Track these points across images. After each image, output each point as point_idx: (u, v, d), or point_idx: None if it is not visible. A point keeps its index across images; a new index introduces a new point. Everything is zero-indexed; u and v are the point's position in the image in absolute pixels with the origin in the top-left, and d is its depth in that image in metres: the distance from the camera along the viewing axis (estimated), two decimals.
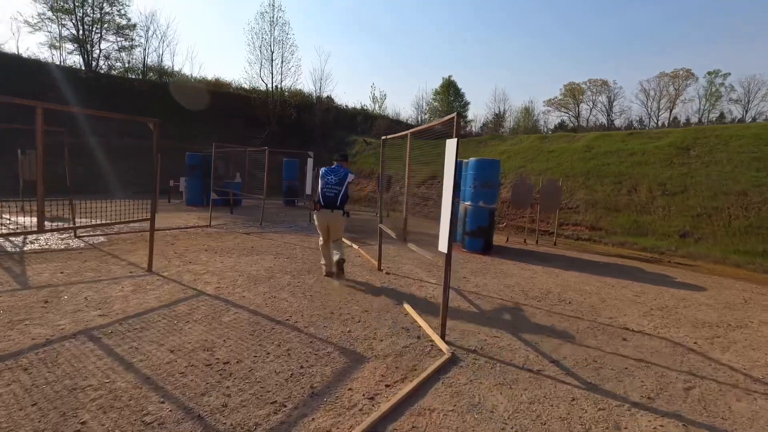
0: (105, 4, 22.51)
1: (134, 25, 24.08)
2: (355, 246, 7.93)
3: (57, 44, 22.11)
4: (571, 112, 44.84)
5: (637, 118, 42.10)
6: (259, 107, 26.21)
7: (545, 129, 40.70)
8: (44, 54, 22.35)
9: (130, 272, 5.24)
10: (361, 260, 6.81)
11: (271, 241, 8.10)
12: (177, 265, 5.70)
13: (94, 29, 22.43)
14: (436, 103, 36.88)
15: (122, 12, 23.32)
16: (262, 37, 28.07)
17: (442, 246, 3.50)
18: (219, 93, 26.25)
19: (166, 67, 26.60)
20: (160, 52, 33.77)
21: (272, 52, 28.12)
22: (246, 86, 28.27)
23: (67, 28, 21.89)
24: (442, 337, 3.53)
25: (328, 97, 32.96)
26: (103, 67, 23.10)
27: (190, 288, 4.71)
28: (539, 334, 3.94)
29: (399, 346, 3.45)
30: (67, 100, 19.67)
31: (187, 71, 29.59)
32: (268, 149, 10.19)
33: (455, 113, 3.37)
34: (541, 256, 8.27)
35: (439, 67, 72.49)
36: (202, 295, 4.48)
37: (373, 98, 36.77)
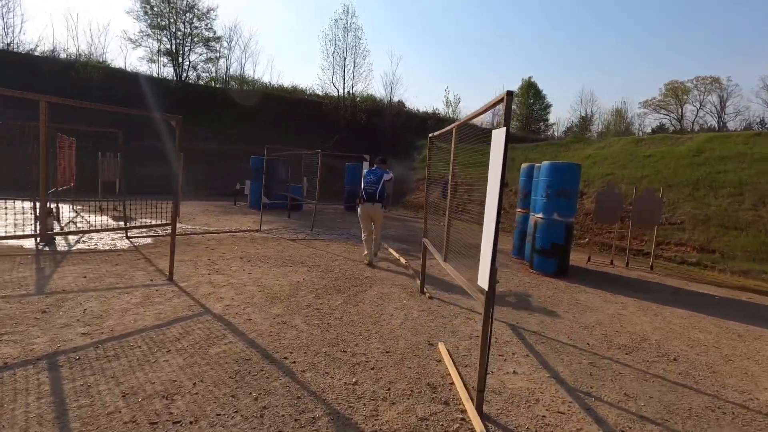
0: (195, 20, 24.26)
1: (219, 38, 25.71)
2: (403, 260, 7.04)
3: (154, 58, 24.26)
4: (672, 114, 39.45)
5: (758, 120, 35.69)
6: (330, 113, 26.49)
7: (640, 132, 36.26)
8: (143, 67, 24.62)
9: (151, 280, 4.88)
10: (403, 279, 5.89)
11: (314, 250, 7.51)
12: (202, 275, 5.27)
13: (184, 43, 24.28)
14: (514, 106, 34.62)
15: (209, 26, 24.99)
16: (335, 44, 28.45)
17: (482, 280, 2.48)
18: (295, 99, 27.03)
19: (247, 76, 28.05)
20: (243, 62, 36.12)
21: (344, 58, 28.37)
22: (319, 92, 28.82)
23: (162, 43, 23.92)
24: (479, 409, 2.50)
25: (399, 101, 32.51)
26: (191, 77, 24.88)
27: (198, 304, 4.18)
28: (629, 414, 2.72)
29: (415, 415, 2.49)
30: (157, 108, 21.35)
31: (266, 80, 30.97)
32: (322, 152, 9.71)
33: (505, 92, 2.35)
34: (632, 283, 6.67)
35: (519, 67, 68.83)
36: (205, 314, 3.90)
37: (446, 102, 35.62)
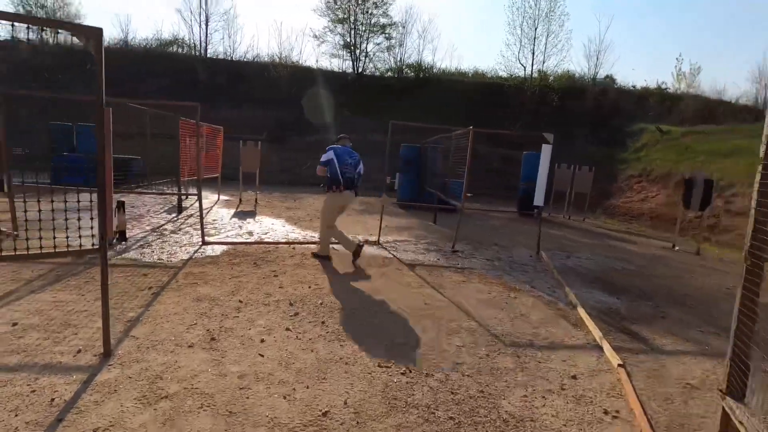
0: (372, 7, 23.56)
1: (395, 23, 24.49)
2: (616, 360, 3.19)
3: (336, 53, 24.68)
4: None
5: None
6: (513, 95, 22.28)
7: None
8: (326, 63, 25.37)
9: (78, 351, 2.63)
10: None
11: (433, 294, 4.30)
12: (178, 346, 2.78)
13: (362, 33, 23.89)
14: None
15: (386, 12, 23.97)
16: (524, 12, 23.82)
17: None
18: (473, 84, 23.85)
19: (425, 63, 26.21)
20: (420, 49, 34.52)
21: (535, 28, 23.50)
22: (503, 73, 24.78)
23: (343, 37, 24.04)
24: None
25: (608, 76, 25.53)
26: (368, 67, 24.42)
27: None
28: None
29: None
30: (333, 102, 21.36)
31: (445, 65, 28.65)
32: (473, 129, 6.33)
33: None
34: None
35: None
36: None
37: (677, 74, 26.18)
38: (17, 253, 2.48)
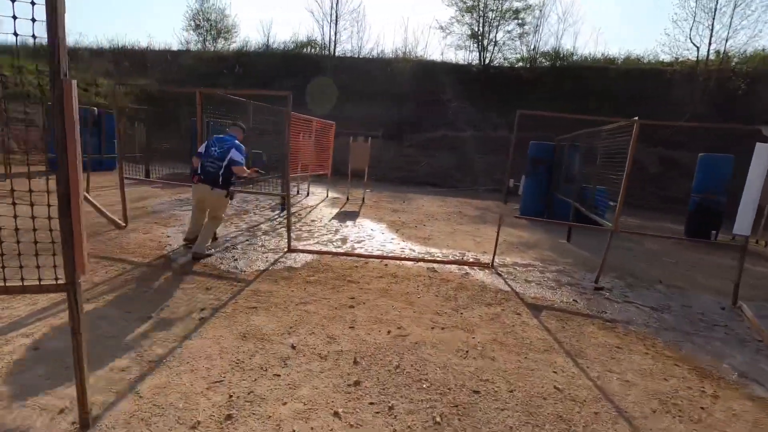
0: None
1: (531, 7, 21.88)
2: None
3: (462, 44, 23.21)
4: None
5: None
6: (681, 83, 18.06)
7: None
8: (451, 56, 24.08)
9: (61, 410, 1.98)
10: None
11: (568, 370, 2.85)
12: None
13: (491, 22, 21.94)
14: None
15: None
16: None
17: None
18: (624, 72, 20.09)
19: (564, 50, 23.06)
20: (560, 34, 30.23)
21: None
22: (666, 57, 20.35)
23: (470, 26, 22.43)
24: None
25: None
26: (496, 58, 22.41)
27: None
28: None
29: None
30: (457, 95, 20.05)
31: (588, 52, 24.93)
32: (639, 121, 4.50)
33: None
34: None
35: None
36: None
37: None
38: None
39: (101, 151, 11.22)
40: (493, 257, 5.20)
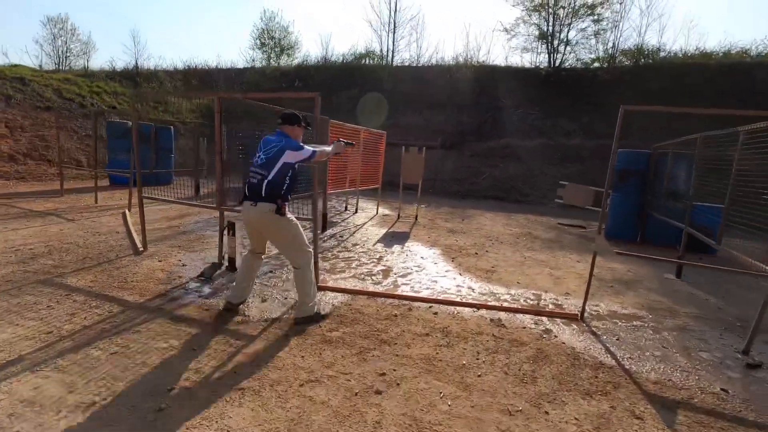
0: None
1: (608, 1, 19.61)
2: None
3: (528, 46, 21.48)
4: None
5: None
6: None
7: None
8: (516, 59, 22.41)
9: None
10: None
11: None
12: None
13: (563, 20, 20.01)
14: None
15: None
16: None
17: None
18: (725, 67, 17.19)
19: (646, 46, 20.45)
20: (642, 29, 26.77)
21: None
22: None
23: (538, 26, 20.66)
24: None
25: None
26: (569, 58, 20.40)
27: None
28: None
29: None
30: (522, 101, 18.41)
31: (678, 47, 22.00)
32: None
33: None
34: None
35: None
36: None
37: None
38: None
39: (156, 165, 11.24)
40: (583, 306, 3.83)
